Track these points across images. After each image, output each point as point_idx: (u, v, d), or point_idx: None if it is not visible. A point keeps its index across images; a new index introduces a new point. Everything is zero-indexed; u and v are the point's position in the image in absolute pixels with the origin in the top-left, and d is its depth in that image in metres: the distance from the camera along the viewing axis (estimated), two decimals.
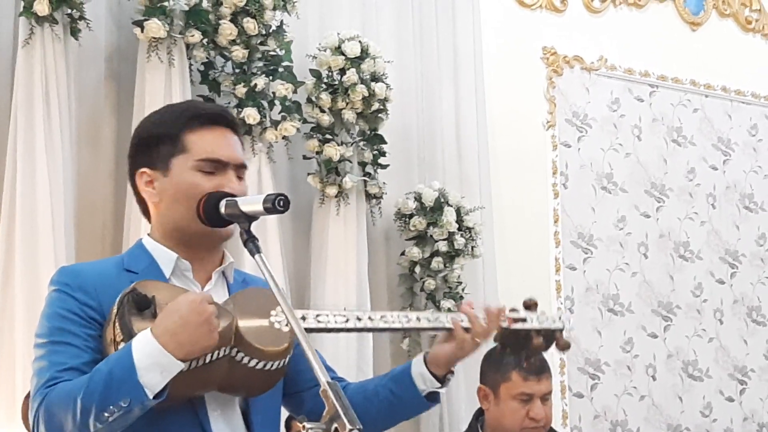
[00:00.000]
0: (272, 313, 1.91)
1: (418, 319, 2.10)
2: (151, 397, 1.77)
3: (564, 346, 2.27)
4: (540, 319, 2.25)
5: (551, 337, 2.26)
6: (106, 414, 1.76)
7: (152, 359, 1.77)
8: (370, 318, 2.04)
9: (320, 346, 3.60)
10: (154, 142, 2.05)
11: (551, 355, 4.82)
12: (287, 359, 1.96)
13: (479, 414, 3.34)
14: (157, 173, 2.04)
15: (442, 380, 2.10)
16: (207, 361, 1.85)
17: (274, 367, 1.94)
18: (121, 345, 1.82)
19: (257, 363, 1.91)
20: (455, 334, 2.06)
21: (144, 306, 1.84)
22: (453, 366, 2.10)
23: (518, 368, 3.23)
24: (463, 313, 2.09)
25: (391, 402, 1.99)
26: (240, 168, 2.06)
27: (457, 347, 2.07)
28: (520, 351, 2.26)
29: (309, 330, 1.97)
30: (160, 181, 2.03)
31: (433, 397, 2.11)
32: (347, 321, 2.00)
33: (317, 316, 1.98)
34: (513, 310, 2.25)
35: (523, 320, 2.23)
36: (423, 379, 2.07)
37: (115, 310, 1.86)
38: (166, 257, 2.02)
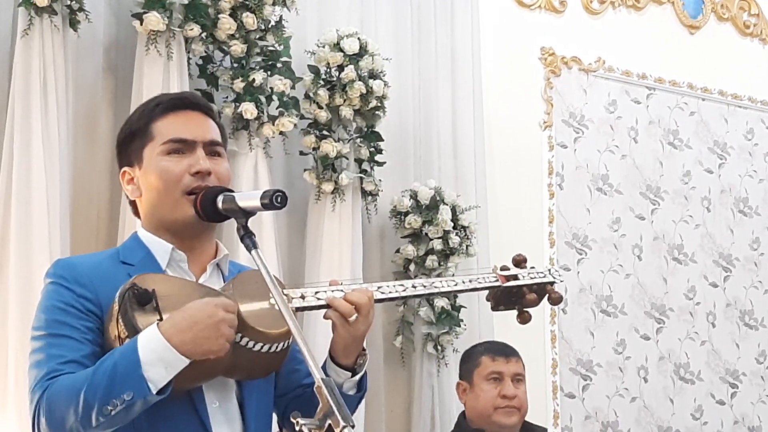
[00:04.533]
0: (270, 294, 1.91)
1: (414, 286, 2.14)
2: (154, 392, 1.78)
3: (556, 300, 2.28)
4: (531, 274, 2.26)
5: (543, 291, 2.27)
6: (109, 407, 1.77)
7: (157, 354, 1.78)
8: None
9: (313, 346, 3.61)
10: (129, 140, 2.10)
11: (543, 353, 4.85)
12: (291, 339, 1.96)
13: (464, 413, 3.43)
14: (134, 169, 2.08)
15: (353, 368, 2.06)
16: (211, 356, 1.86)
17: (278, 348, 1.95)
18: (127, 341, 1.83)
19: (262, 347, 1.92)
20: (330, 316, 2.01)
21: (145, 300, 1.85)
22: (353, 351, 2.04)
23: (486, 352, 3.37)
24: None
25: None
26: (212, 145, 2.06)
27: (335, 329, 2.02)
28: (513, 307, 2.27)
29: (310, 308, 1.99)
30: (137, 175, 2.07)
31: (359, 387, 2.08)
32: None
33: (316, 293, 1.99)
34: (504, 267, 2.26)
35: (515, 277, 2.23)
36: (336, 373, 2.05)
37: (116, 307, 1.86)
38: (161, 248, 2.04)
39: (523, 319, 2.26)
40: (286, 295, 1.90)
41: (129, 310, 1.84)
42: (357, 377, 2.06)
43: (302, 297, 1.97)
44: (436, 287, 2.16)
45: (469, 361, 3.46)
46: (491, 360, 3.39)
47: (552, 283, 2.27)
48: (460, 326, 4.26)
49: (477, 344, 3.62)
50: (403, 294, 2.11)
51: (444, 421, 4.21)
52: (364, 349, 2.07)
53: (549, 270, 2.29)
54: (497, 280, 2.22)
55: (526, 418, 3.46)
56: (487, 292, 2.25)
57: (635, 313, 5.12)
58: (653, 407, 5.11)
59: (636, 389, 5.07)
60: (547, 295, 2.27)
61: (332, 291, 2.00)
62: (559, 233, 4.95)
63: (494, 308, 2.28)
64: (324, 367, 2.05)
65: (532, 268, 2.28)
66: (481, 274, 2.23)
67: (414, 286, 2.13)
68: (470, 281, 2.21)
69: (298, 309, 1.96)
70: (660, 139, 5.34)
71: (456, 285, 2.19)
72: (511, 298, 2.25)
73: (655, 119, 5.34)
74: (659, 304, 5.21)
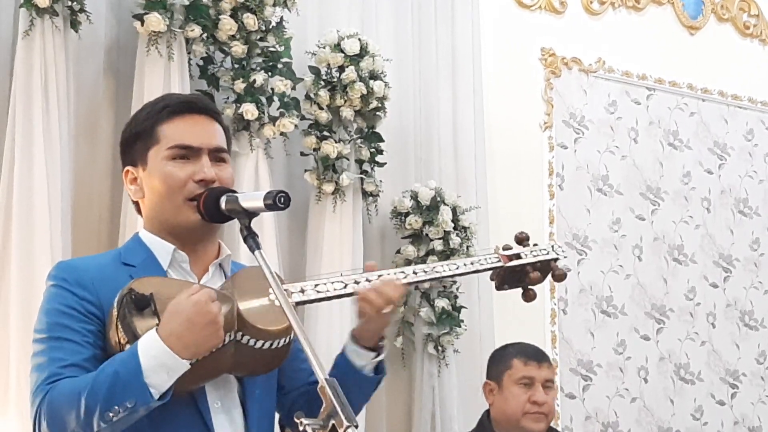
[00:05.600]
0: (270, 290, 1.90)
1: (415, 272, 2.13)
2: (156, 398, 1.79)
3: (560, 277, 2.26)
4: (534, 251, 2.24)
5: (547, 268, 2.25)
6: (110, 414, 1.77)
7: (158, 360, 1.78)
8: (367, 280, 2.06)
9: (313, 341, 3.61)
10: (133, 140, 2.09)
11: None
12: (292, 334, 1.96)
13: (489, 412, 3.41)
14: (138, 169, 2.07)
15: (375, 349, 2.10)
16: (213, 349, 1.86)
17: (280, 345, 1.95)
18: (127, 347, 1.83)
19: (263, 344, 1.92)
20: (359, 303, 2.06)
21: (143, 305, 1.85)
22: (377, 334, 2.10)
23: (518, 355, 3.33)
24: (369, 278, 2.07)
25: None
26: (217, 152, 2.06)
27: (363, 315, 2.06)
28: (517, 287, 2.25)
29: (311, 301, 1.99)
30: (141, 176, 2.07)
31: (378, 370, 2.12)
32: (345, 287, 2.03)
33: (316, 286, 1.99)
34: (506, 247, 2.24)
35: (518, 256, 2.21)
36: (358, 356, 2.08)
37: (115, 313, 1.86)
38: (162, 249, 2.04)
39: (528, 297, 2.24)
40: (285, 290, 1.90)
41: (127, 316, 1.84)
42: (378, 358, 2.09)
43: (302, 291, 1.98)
44: (437, 272, 2.14)
45: (500, 362, 3.41)
46: (523, 364, 3.32)
47: (555, 260, 2.25)
48: (460, 327, 4.27)
49: (508, 345, 3.49)
50: (405, 281, 2.11)
51: (444, 421, 4.21)
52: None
53: (552, 246, 2.27)
54: (499, 261, 2.20)
55: None
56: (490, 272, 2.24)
57: (635, 314, 5.13)
58: (653, 408, 5.11)
59: (636, 390, 5.07)
60: (551, 271, 2.25)
61: (332, 283, 2.00)
62: (559, 234, 4.95)
63: (498, 288, 2.25)
64: (344, 353, 2.09)
65: (535, 245, 2.26)
66: (483, 255, 2.21)
67: (415, 272, 2.12)
68: (472, 263, 2.19)
69: (298, 303, 1.96)
70: (660, 140, 5.35)
71: (458, 268, 2.18)
72: (515, 277, 2.22)
73: (655, 120, 5.34)
74: (659, 305, 5.21)
